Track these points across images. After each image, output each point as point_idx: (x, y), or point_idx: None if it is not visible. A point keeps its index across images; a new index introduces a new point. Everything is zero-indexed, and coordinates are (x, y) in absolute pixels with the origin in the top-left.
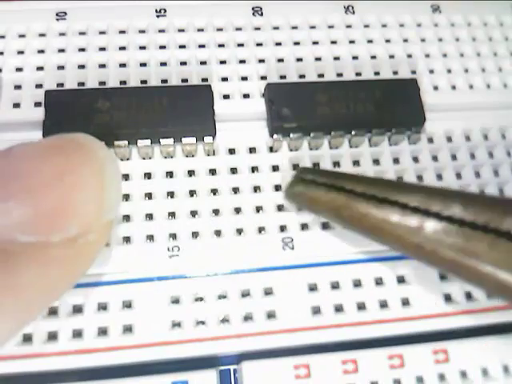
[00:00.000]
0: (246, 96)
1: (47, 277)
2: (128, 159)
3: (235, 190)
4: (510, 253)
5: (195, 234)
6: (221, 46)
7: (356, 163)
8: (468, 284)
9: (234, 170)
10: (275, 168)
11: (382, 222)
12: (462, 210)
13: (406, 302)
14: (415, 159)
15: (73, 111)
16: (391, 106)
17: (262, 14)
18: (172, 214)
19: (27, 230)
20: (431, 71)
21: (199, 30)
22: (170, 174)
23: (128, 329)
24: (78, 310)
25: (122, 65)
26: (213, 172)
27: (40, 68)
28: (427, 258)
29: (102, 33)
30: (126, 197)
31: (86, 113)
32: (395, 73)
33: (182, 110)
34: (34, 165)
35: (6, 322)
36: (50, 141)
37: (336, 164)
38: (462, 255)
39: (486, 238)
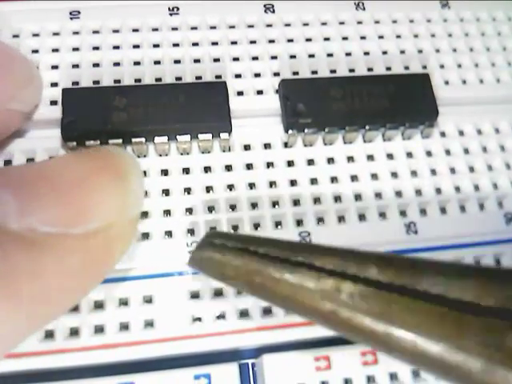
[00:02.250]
0: (259, 92)
1: (67, 269)
2: (145, 156)
3: (251, 186)
4: (428, 316)
5: (213, 229)
6: (234, 43)
7: (370, 158)
8: (385, 353)
9: (249, 166)
10: (290, 163)
11: (295, 288)
12: (378, 272)
13: None
14: (428, 153)
15: (90, 109)
16: (404, 100)
17: (273, 11)
18: (189, 210)
19: (48, 222)
20: (442, 66)
21: (212, 28)
22: (186, 171)
23: (149, 324)
24: (99, 305)
25: (137, 63)
26: (229, 168)
27: (55, 67)
28: (342, 326)
29: (115, 31)
30: (144, 193)
31: (104, 110)
32: (406, 68)
33: (198, 107)
34: (60, 167)
35: (25, 313)
36: (75, 151)
37: (350, 159)
38: (378, 321)
39: (402, 300)
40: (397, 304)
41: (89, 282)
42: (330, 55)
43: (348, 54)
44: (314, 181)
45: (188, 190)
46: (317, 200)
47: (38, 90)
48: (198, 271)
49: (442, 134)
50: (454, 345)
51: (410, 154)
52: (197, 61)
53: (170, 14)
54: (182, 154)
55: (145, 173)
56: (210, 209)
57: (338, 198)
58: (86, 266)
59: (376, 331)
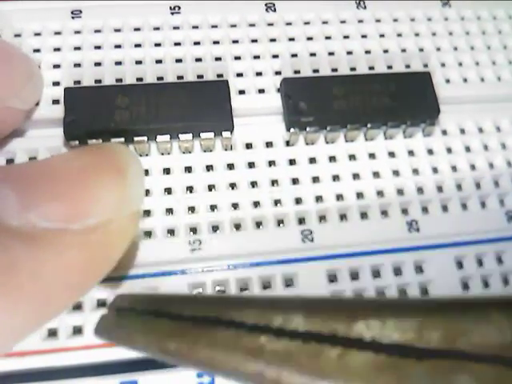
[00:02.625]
0: (261, 91)
1: (67, 264)
2: (147, 155)
3: (253, 184)
4: (366, 365)
5: (215, 228)
6: (235, 42)
7: (371, 156)
8: None
9: (251, 165)
10: (292, 162)
11: (215, 350)
12: (305, 321)
13: (424, 292)
14: (430, 151)
15: (92, 108)
16: (406, 98)
17: (275, 10)
18: (191, 209)
19: (47, 217)
20: (443, 64)
21: (213, 27)
22: (188, 169)
23: None
24: (102, 304)
25: (138, 62)
26: (231, 166)
27: (57, 66)
28: None
29: (117, 30)
30: (146, 192)
31: (106, 109)
32: (407, 66)
33: (200, 106)
34: (60, 163)
35: (25, 309)
36: (76, 148)
37: (352, 157)
38: (312, 377)
39: (334, 351)
40: (327, 357)
41: (90, 278)
42: (331, 54)
43: (349, 53)
44: (315, 179)
45: (190, 189)
46: (319, 198)
47: (38, 88)
48: (107, 341)
49: (444, 132)
50: None
51: (411, 153)
52: (198, 60)
53: (172, 13)
54: (184, 153)
55: (147, 171)
56: (212, 207)
57: (339, 197)
58: (86, 262)
59: None
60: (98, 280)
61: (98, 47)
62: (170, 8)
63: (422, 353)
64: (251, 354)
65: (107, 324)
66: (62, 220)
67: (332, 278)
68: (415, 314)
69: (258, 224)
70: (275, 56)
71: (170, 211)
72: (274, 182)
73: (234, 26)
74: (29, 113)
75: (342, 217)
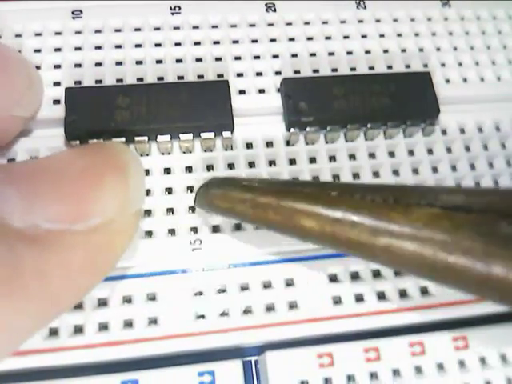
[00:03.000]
0: (261, 91)
1: (71, 264)
2: (148, 155)
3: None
4: (425, 215)
5: (216, 228)
6: (235, 42)
7: (371, 156)
8: (388, 265)
9: (251, 164)
10: (292, 161)
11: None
12: (374, 191)
13: (424, 291)
14: (429, 151)
15: (93, 108)
16: (406, 98)
17: (275, 11)
18: (192, 208)
19: (50, 219)
20: (443, 64)
21: (214, 27)
22: (189, 169)
23: (153, 321)
24: (103, 303)
25: (139, 62)
26: (231, 166)
27: (57, 66)
28: (344, 243)
29: (117, 30)
30: (147, 192)
31: (106, 109)
32: (407, 66)
33: (200, 106)
34: (61, 162)
35: (30, 309)
36: (77, 147)
37: (352, 157)
38: (383, 223)
39: (397, 208)
40: (391, 211)
41: (93, 277)
42: (331, 54)
43: (349, 53)
44: (315, 179)
45: (191, 189)
46: None
47: (38, 94)
48: (205, 209)
49: (444, 132)
50: (450, 241)
51: (411, 152)
52: (199, 60)
53: (172, 14)
54: (184, 153)
55: (148, 171)
56: None
57: None
58: (89, 261)
59: (376, 243)
60: (101, 278)
61: (98, 47)
62: (171, 8)
63: (470, 209)
64: (332, 204)
65: (208, 193)
66: (65, 221)
67: (332, 278)
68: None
69: None
70: (275, 56)
71: (170, 211)
72: None
73: (234, 26)
74: (30, 120)
75: None
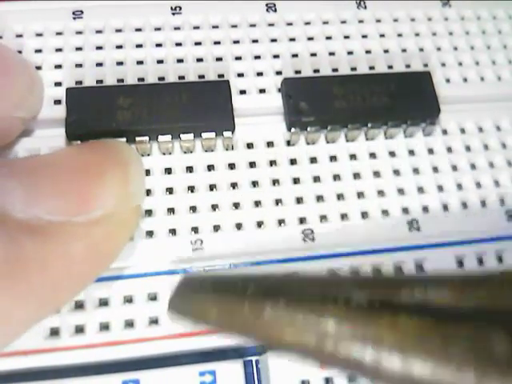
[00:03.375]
0: (262, 91)
1: (72, 255)
2: (149, 155)
3: (254, 184)
4: (414, 327)
5: (217, 228)
6: (236, 42)
7: (372, 155)
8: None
9: (252, 164)
10: (293, 161)
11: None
12: (359, 292)
13: None
14: (430, 151)
15: (94, 108)
16: (406, 98)
17: (275, 11)
18: (193, 208)
19: (51, 211)
20: (443, 64)
21: (214, 27)
22: (190, 169)
23: (154, 321)
24: (104, 303)
25: (140, 62)
26: (232, 166)
27: (58, 66)
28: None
29: (118, 31)
30: (148, 192)
31: (108, 109)
32: (408, 66)
33: (201, 106)
34: (63, 158)
35: (32, 299)
36: (79, 144)
37: (352, 156)
38: (367, 340)
39: (385, 317)
40: (380, 323)
41: (94, 269)
42: (331, 54)
43: (350, 53)
44: (316, 179)
45: (191, 189)
46: (319, 198)
47: (39, 95)
48: (179, 319)
49: (444, 132)
50: (442, 357)
51: (411, 152)
52: (200, 60)
53: (173, 14)
54: (185, 153)
55: (149, 171)
56: (214, 207)
57: (340, 196)
58: (90, 253)
59: (364, 362)
60: (102, 271)
61: (99, 47)
62: (171, 8)
63: (458, 316)
64: (312, 322)
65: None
66: (66, 213)
67: None
68: (451, 280)
69: (259, 223)
70: (276, 56)
71: (171, 211)
72: (275, 182)
73: (234, 26)
74: (31, 121)
75: (343, 216)
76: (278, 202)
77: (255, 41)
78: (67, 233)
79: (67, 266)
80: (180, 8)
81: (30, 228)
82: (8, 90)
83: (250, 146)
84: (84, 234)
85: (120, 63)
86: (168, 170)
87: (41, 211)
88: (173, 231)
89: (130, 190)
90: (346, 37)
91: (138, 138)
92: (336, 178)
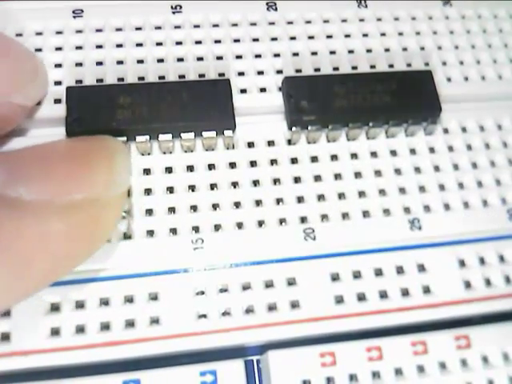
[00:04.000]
0: (262, 90)
1: (50, 233)
2: (149, 154)
3: (255, 183)
4: None
5: (218, 227)
6: (236, 41)
7: (373, 154)
8: None
9: (253, 163)
10: (294, 160)
11: None
12: None
13: (426, 290)
14: (431, 150)
15: (95, 107)
16: (407, 97)
17: (276, 10)
18: (194, 208)
19: (33, 192)
20: (444, 63)
21: (215, 26)
22: (190, 168)
23: (155, 321)
24: (105, 302)
25: (140, 61)
26: (233, 165)
27: (58, 65)
28: None
29: (118, 30)
30: (149, 191)
31: (108, 108)
32: (409, 65)
33: (202, 105)
34: (49, 146)
35: (5, 269)
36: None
37: (353, 156)
38: None
39: None
40: None
41: (74, 250)
42: (332, 53)
43: (350, 52)
44: (317, 178)
45: (192, 188)
46: (321, 197)
47: (42, 86)
48: None
49: (445, 131)
50: None
51: (413, 151)
52: (200, 59)
53: (173, 13)
54: (186, 152)
55: (149, 171)
56: (215, 206)
57: (341, 195)
58: (70, 234)
59: None
60: (84, 254)
61: (99, 46)
62: (172, 7)
63: None
64: None
65: None
66: (47, 194)
67: (334, 277)
68: None
69: (260, 222)
70: (277, 55)
71: (172, 210)
72: (275, 181)
73: (235, 25)
74: (31, 111)
75: (344, 215)
76: (278, 201)
77: (256, 40)
78: (47, 212)
79: (44, 242)
80: (180, 7)
81: (8, 202)
82: (7, 74)
83: (250, 145)
84: (65, 215)
85: (120, 62)
86: (168, 169)
87: (22, 190)
88: (173, 230)
89: (114, 177)
90: (347, 36)
91: (138, 137)
92: (337, 177)
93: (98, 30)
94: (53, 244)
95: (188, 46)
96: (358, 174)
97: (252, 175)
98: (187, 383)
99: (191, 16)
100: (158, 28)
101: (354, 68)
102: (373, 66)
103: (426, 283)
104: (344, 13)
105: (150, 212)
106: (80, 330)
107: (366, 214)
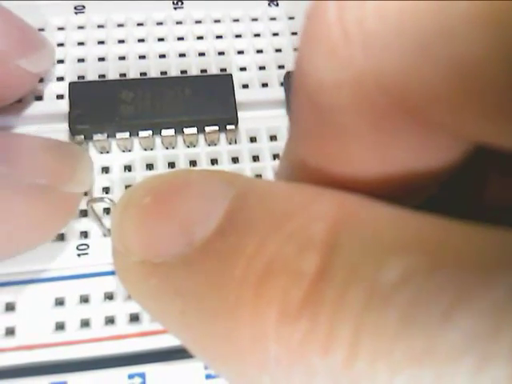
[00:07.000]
0: (264, 85)
1: (11, 206)
2: (152, 149)
3: (258, 177)
4: None
5: None
6: (238, 36)
7: None
8: None
9: (255, 158)
10: None
11: None
12: None
13: None
14: None
15: (97, 103)
16: None
17: (277, 5)
18: None
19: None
20: None
21: (216, 21)
22: (193, 163)
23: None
24: (108, 297)
25: (142, 56)
26: (235, 160)
27: (61, 61)
28: None
29: (120, 25)
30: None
31: (111, 104)
32: None
33: (204, 100)
34: (19, 137)
35: None
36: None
37: None
38: None
39: None
40: None
41: (32, 232)
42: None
43: None
44: None
45: None
46: None
47: (49, 56)
48: None
49: None
50: None
51: None
52: (202, 54)
53: (175, 8)
54: (188, 147)
55: (152, 165)
56: None
57: None
58: (28, 210)
59: None
60: (43, 234)
61: (101, 42)
62: (173, 3)
63: None
64: None
65: None
66: (7, 175)
67: None
68: None
69: None
70: (278, 50)
71: None
72: None
73: (236, 20)
74: (39, 77)
75: None
76: None
77: (257, 35)
78: (10, 187)
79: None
80: (182, 2)
81: None
82: (16, 40)
83: (253, 139)
84: (26, 193)
85: (122, 58)
86: (171, 164)
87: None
88: None
89: (77, 177)
90: None
91: (140, 132)
92: None
93: (100, 26)
94: (12, 220)
95: (190, 42)
96: None
97: (255, 169)
98: (193, 377)
99: (193, 11)
100: (160, 24)
101: None
102: None
103: None
104: None
105: None
106: (84, 324)
107: None
